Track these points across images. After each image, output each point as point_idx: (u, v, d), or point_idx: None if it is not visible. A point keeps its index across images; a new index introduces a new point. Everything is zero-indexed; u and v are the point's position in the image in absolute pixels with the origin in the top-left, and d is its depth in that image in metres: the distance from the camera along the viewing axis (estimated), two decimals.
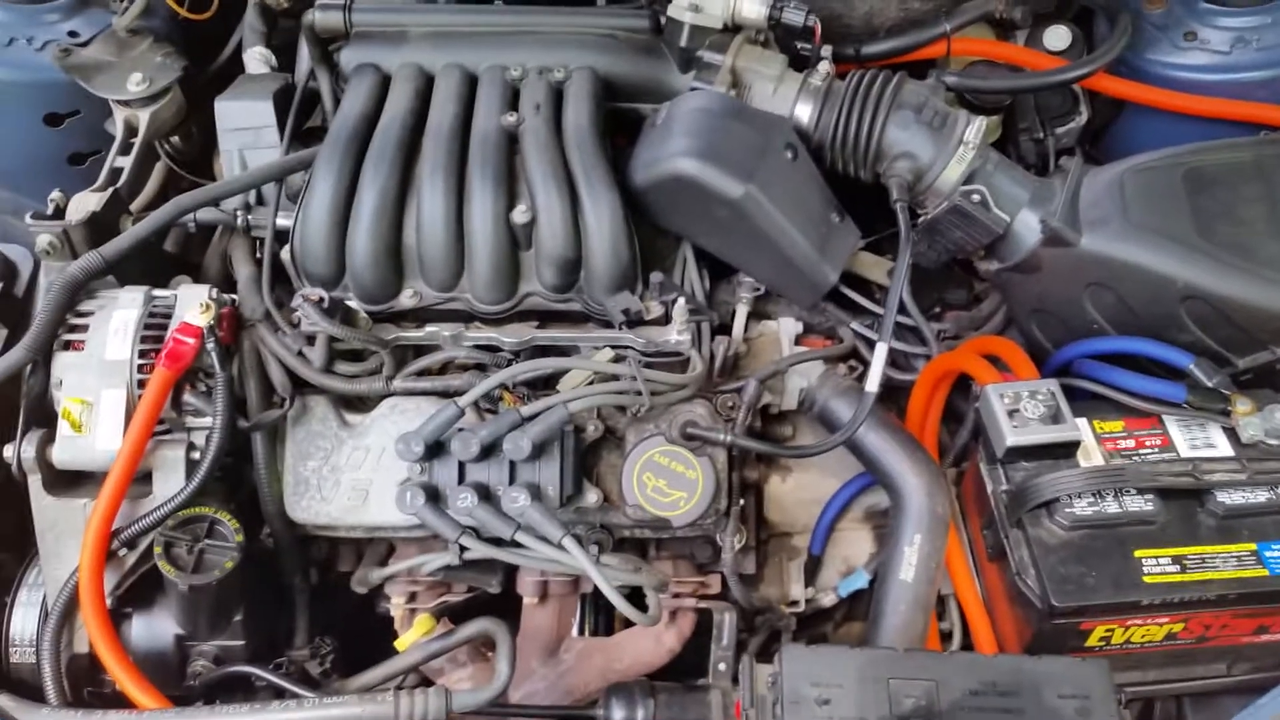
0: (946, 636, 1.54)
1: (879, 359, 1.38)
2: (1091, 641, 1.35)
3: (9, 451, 1.38)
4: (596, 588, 1.37)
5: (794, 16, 1.58)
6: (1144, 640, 1.36)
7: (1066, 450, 1.39)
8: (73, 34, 1.80)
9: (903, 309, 1.60)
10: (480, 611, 1.42)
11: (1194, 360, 1.43)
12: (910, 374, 1.64)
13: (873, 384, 1.38)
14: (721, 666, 1.48)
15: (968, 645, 1.51)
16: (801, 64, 1.61)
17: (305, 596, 1.54)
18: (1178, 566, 1.31)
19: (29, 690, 1.32)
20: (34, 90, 1.78)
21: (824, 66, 1.59)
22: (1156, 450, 1.41)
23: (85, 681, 1.40)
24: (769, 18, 1.58)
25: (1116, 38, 1.73)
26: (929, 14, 1.80)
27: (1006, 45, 1.86)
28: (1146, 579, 1.30)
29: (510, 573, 1.53)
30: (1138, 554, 1.32)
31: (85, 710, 1.26)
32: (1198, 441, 1.41)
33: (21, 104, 1.78)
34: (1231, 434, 1.41)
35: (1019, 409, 1.38)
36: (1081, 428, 1.40)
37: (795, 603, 1.60)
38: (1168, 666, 1.44)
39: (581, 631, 1.63)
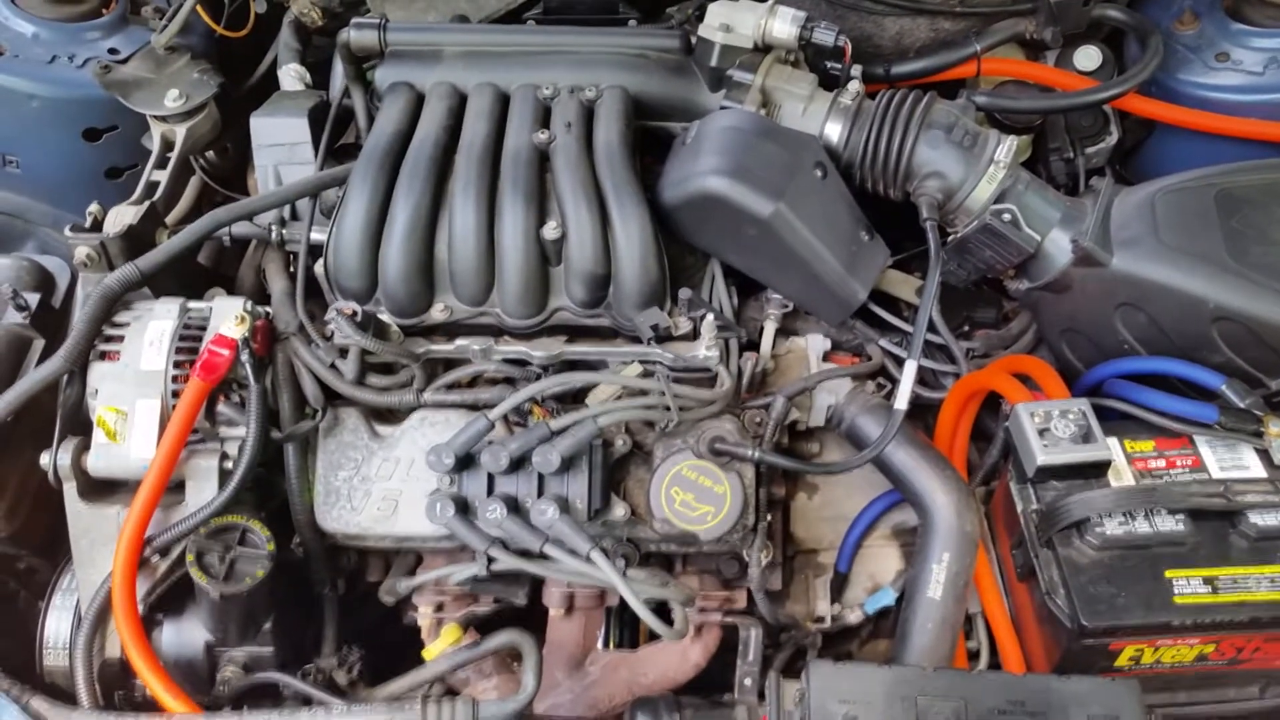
0: (974, 656, 1.53)
1: (908, 376, 1.38)
2: (1121, 662, 1.34)
3: (45, 459, 1.40)
4: (622, 601, 1.37)
5: (824, 36, 1.59)
6: (1174, 661, 1.34)
7: (1097, 470, 1.39)
8: (112, 51, 1.84)
9: (932, 327, 1.59)
10: (506, 623, 1.43)
11: (1225, 381, 1.42)
12: (939, 392, 1.63)
13: (902, 401, 1.38)
14: (747, 682, 1.47)
15: (995, 665, 1.50)
16: (831, 83, 1.62)
17: (334, 606, 1.55)
18: (1209, 588, 1.30)
19: (62, 693, 1.33)
20: (74, 106, 1.81)
21: (854, 86, 1.60)
22: (1188, 471, 1.40)
23: (116, 686, 1.41)
24: (799, 38, 1.60)
25: (1148, 58, 1.73)
26: (959, 34, 1.80)
27: (1037, 66, 1.86)
28: (1177, 600, 1.29)
29: (536, 585, 1.54)
30: (1169, 574, 1.31)
31: (117, 714, 1.27)
32: (1229, 463, 1.40)
33: (62, 119, 1.82)
34: (1264, 455, 1.40)
35: (1050, 428, 1.38)
36: (1112, 448, 1.40)
37: (821, 619, 1.59)
38: (1198, 689, 1.42)
39: (606, 645, 1.63)
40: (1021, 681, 1.20)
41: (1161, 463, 1.41)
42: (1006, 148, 1.50)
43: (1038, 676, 1.21)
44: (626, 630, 1.68)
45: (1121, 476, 1.40)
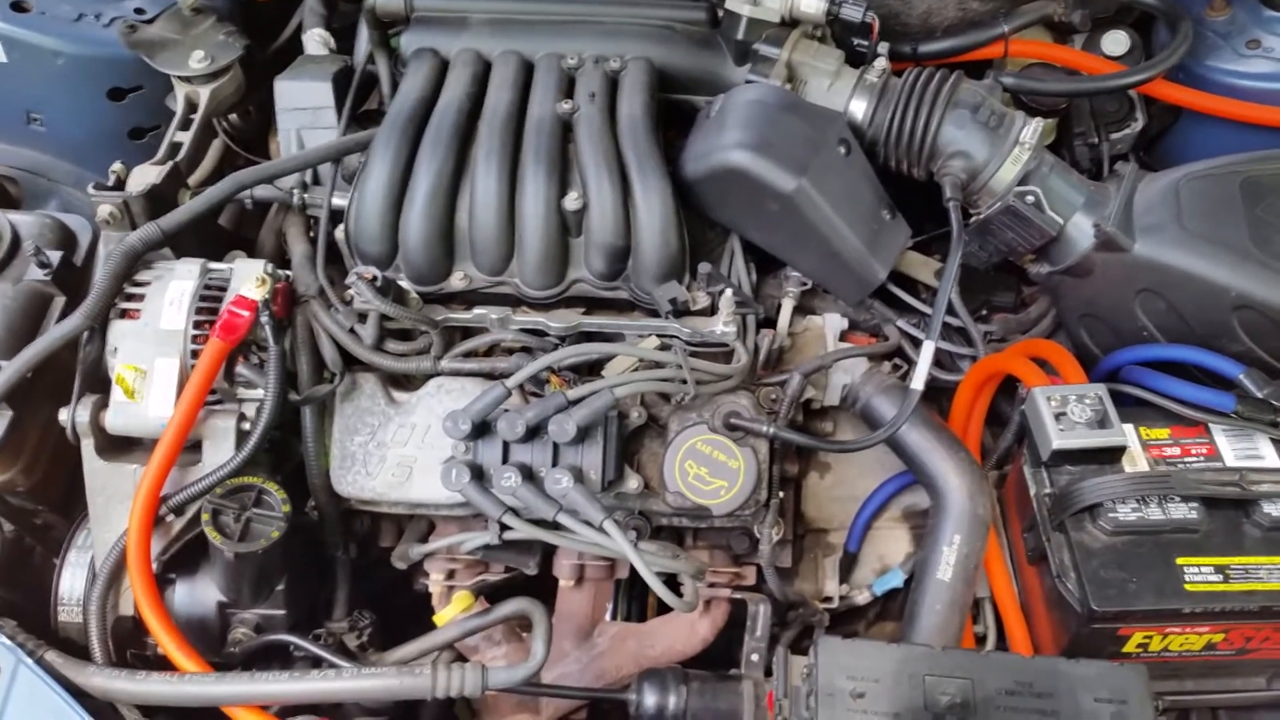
0: (981, 640, 1.54)
1: (925, 357, 1.38)
2: (1129, 648, 1.34)
3: (64, 415, 1.40)
4: (631, 574, 1.38)
5: (852, 12, 1.58)
6: (1182, 649, 1.34)
7: (1112, 455, 1.38)
8: (139, 11, 1.83)
9: (951, 309, 1.60)
10: (515, 593, 1.43)
11: (1244, 370, 1.41)
12: (955, 374, 1.63)
13: (918, 382, 1.37)
14: (754, 658, 1.48)
15: (1002, 648, 1.51)
16: (858, 60, 1.61)
17: (346, 569, 1.57)
18: (1221, 576, 1.29)
19: (76, 649, 1.34)
20: (100, 65, 1.81)
21: (880, 63, 1.58)
22: (1202, 459, 1.40)
23: (129, 643, 1.43)
24: (827, 12, 1.59)
25: (1177, 44, 1.71)
26: (987, 15, 1.79)
27: (1064, 49, 1.84)
28: (1188, 587, 1.29)
29: (547, 555, 1.54)
30: (1180, 562, 1.31)
31: (129, 671, 1.28)
32: (1245, 452, 1.40)
33: (87, 78, 1.82)
34: None
35: (1066, 412, 1.37)
36: (1128, 434, 1.40)
37: (829, 599, 1.60)
38: (1206, 677, 1.42)
39: (614, 617, 1.63)
40: (1029, 663, 1.20)
41: (1176, 450, 1.41)
42: (1032, 129, 1.49)
43: (1046, 659, 1.21)
44: (635, 603, 1.70)
45: (1136, 463, 1.40)
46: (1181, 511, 1.33)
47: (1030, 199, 1.49)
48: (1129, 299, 1.51)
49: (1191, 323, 1.47)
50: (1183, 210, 1.47)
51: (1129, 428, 1.41)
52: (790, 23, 1.61)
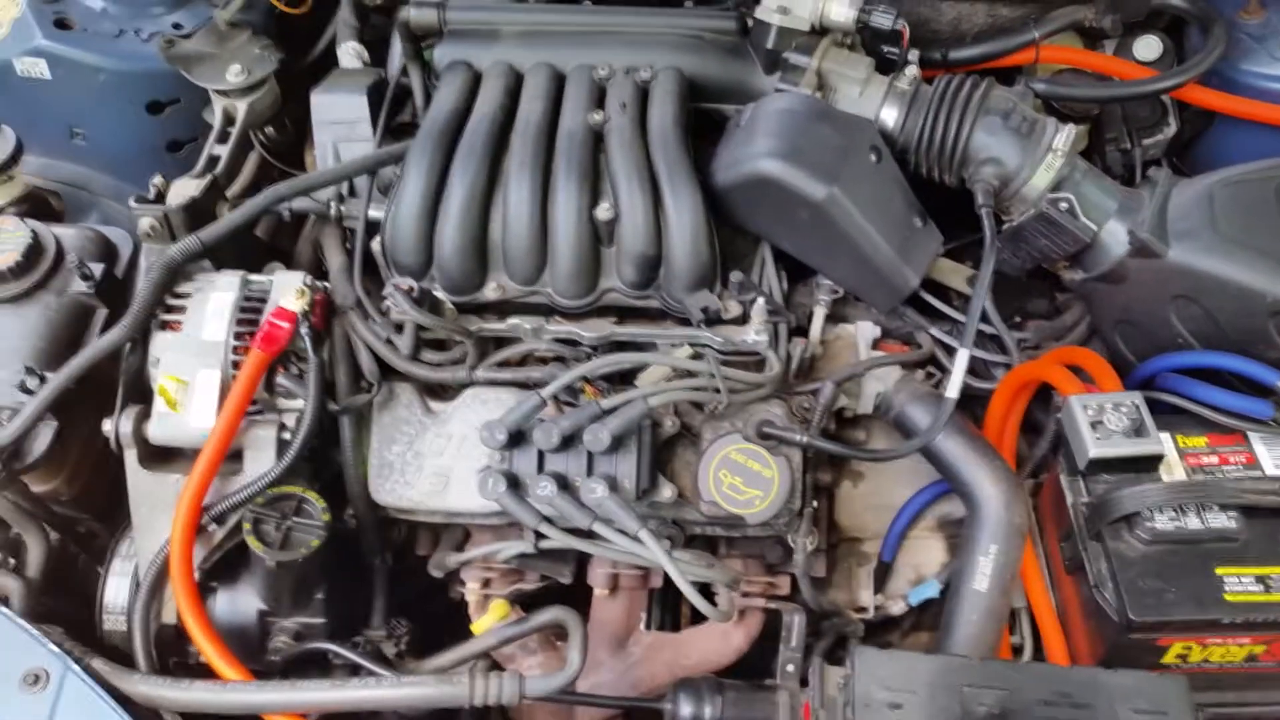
0: (1017, 651, 1.53)
1: (960, 365, 1.38)
2: (1168, 659, 1.33)
3: (107, 426, 1.43)
4: (665, 583, 1.38)
5: (882, 20, 1.58)
6: (1223, 660, 1.33)
7: (1149, 464, 1.38)
8: (177, 26, 1.87)
9: (984, 317, 1.59)
10: (549, 602, 1.44)
11: None
12: (989, 382, 1.63)
13: (953, 390, 1.37)
14: (790, 668, 1.48)
15: (1039, 659, 1.50)
16: (888, 68, 1.61)
17: (384, 578, 1.58)
18: (1261, 586, 1.28)
19: (121, 656, 1.36)
20: (139, 79, 1.84)
21: (911, 70, 1.58)
22: (1241, 467, 1.39)
23: (172, 651, 1.45)
24: (857, 20, 1.59)
25: (1211, 48, 1.71)
26: (1017, 21, 1.79)
27: (1095, 54, 1.84)
28: (1228, 597, 1.28)
29: (581, 564, 1.55)
30: (1219, 571, 1.30)
31: (173, 678, 1.29)
32: None
33: (127, 92, 1.85)
34: None
35: (1102, 421, 1.37)
36: (1164, 442, 1.39)
37: (864, 609, 1.59)
38: (1247, 689, 1.41)
39: (649, 626, 1.64)
40: (1067, 674, 1.20)
41: (1214, 458, 1.40)
42: (1065, 136, 1.49)
43: (1084, 669, 1.21)
44: (669, 612, 1.70)
45: (1173, 471, 1.39)
46: (1220, 520, 1.32)
47: (1064, 205, 1.49)
48: (1164, 305, 1.50)
49: (1227, 329, 1.46)
50: (1217, 216, 1.46)
51: (1165, 436, 1.41)
52: (820, 31, 1.61)
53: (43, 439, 1.44)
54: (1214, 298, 1.45)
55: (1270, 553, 1.31)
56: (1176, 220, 1.49)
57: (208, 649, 1.32)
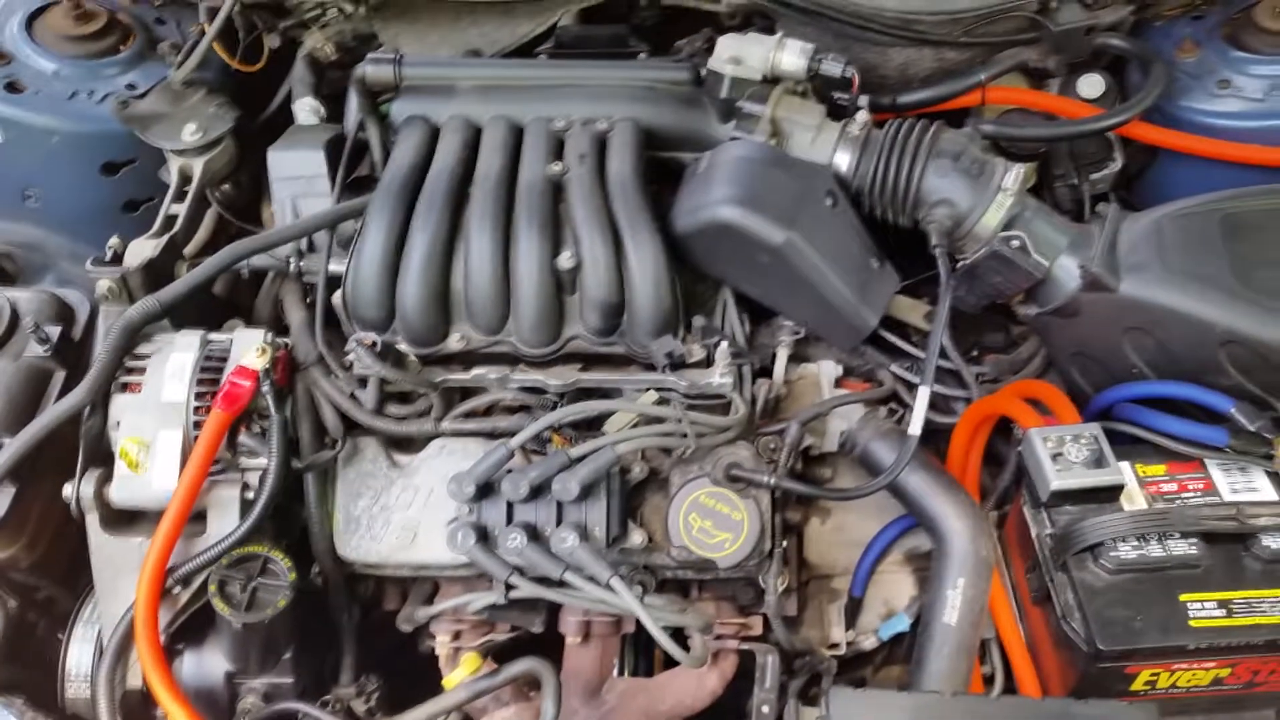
0: (989, 680, 1.53)
1: (921, 402, 1.40)
2: (1137, 686, 1.34)
3: (68, 490, 1.41)
4: (638, 629, 1.37)
5: (832, 67, 1.62)
6: (1190, 685, 1.35)
7: (1110, 494, 1.40)
8: (130, 86, 1.87)
9: (943, 353, 1.61)
10: (522, 651, 1.43)
11: (1235, 404, 1.43)
12: (950, 417, 1.65)
13: (915, 427, 1.39)
14: (765, 709, 1.48)
15: (1010, 689, 1.50)
16: (839, 113, 1.64)
17: (352, 634, 1.56)
18: (1224, 611, 1.30)
19: None
20: (94, 140, 1.84)
21: (861, 115, 1.61)
22: (1199, 494, 1.42)
23: (138, 716, 1.42)
24: (808, 69, 1.62)
25: (1151, 86, 1.75)
26: (964, 64, 1.83)
27: (1041, 94, 1.89)
28: (1193, 623, 1.29)
29: (553, 612, 1.54)
30: (1183, 598, 1.31)
31: None
32: (1240, 485, 1.42)
33: (82, 154, 1.84)
34: (1275, 478, 1.41)
35: (1062, 453, 1.39)
36: (1124, 471, 1.41)
37: (836, 645, 1.60)
38: (1215, 712, 1.42)
39: (622, 672, 1.63)
40: (1040, 705, 1.21)
41: (1174, 486, 1.43)
42: (1014, 175, 1.52)
43: (1056, 700, 1.22)
44: (642, 657, 1.69)
45: (1134, 500, 1.41)
46: (1182, 548, 1.34)
47: (1016, 243, 1.52)
48: (1118, 337, 1.54)
49: (1181, 359, 1.49)
50: (1166, 248, 1.50)
51: (1125, 465, 1.43)
52: (772, 80, 1.64)
53: (0, 505, 1.42)
54: (1166, 329, 1.48)
55: (1231, 578, 1.33)
56: (1127, 254, 1.52)
57: (176, 713, 1.30)
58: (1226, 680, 1.35)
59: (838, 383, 1.64)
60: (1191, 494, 1.41)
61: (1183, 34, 1.88)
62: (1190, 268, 1.47)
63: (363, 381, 1.50)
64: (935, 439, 1.67)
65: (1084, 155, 1.88)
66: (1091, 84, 1.89)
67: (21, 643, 1.52)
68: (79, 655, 1.45)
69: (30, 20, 1.90)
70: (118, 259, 1.56)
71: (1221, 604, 1.31)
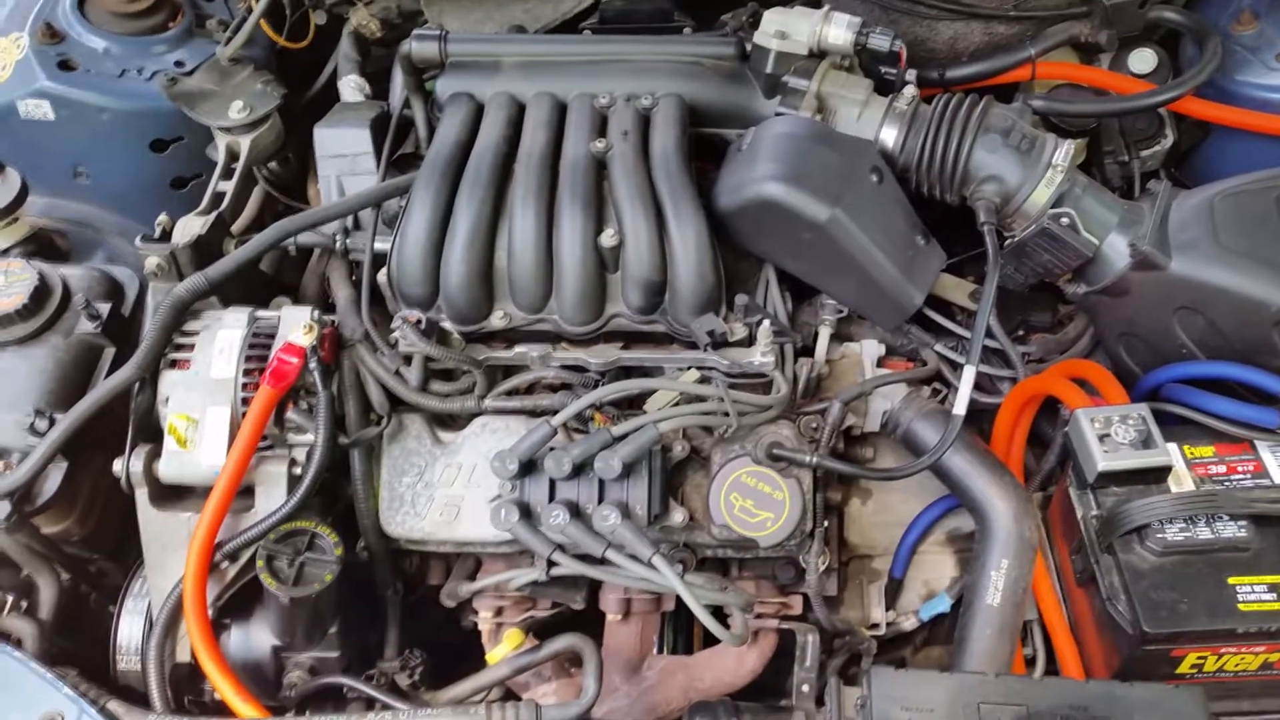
0: (1030, 662, 1.53)
1: (967, 382, 1.38)
2: (1183, 669, 1.33)
3: (118, 466, 1.43)
4: (678, 606, 1.38)
5: (879, 41, 1.60)
6: (1238, 669, 1.33)
7: (1157, 475, 1.38)
8: (179, 64, 1.89)
9: (989, 332, 1.60)
10: (562, 628, 1.44)
11: None
12: (995, 397, 1.63)
13: (960, 407, 1.38)
14: (805, 688, 1.48)
15: (1052, 671, 1.50)
16: (886, 88, 1.62)
17: (396, 609, 1.58)
18: (1275, 595, 1.29)
19: (136, 696, 1.36)
20: (143, 118, 1.86)
21: (909, 90, 1.59)
22: (1249, 476, 1.40)
23: (187, 689, 1.45)
24: (854, 43, 1.60)
25: (1205, 61, 1.72)
26: (1013, 38, 1.80)
27: (1091, 69, 1.85)
28: (1242, 607, 1.28)
29: (593, 589, 1.55)
30: (1232, 581, 1.30)
31: (189, 718, 1.30)
32: None
33: (131, 131, 1.87)
34: None
35: (1110, 434, 1.37)
36: (1172, 453, 1.39)
37: (876, 625, 1.60)
38: (1262, 697, 1.41)
39: (661, 650, 1.64)
40: (1084, 687, 1.20)
41: (1222, 468, 1.41)
42: (1064, 151, 1.50)
43: (1101, 682, 1.20)
44: (681, 635, 1.70)
45: (1182, 482, 1.39)
46: (1231, 530, 1.33)
47: (1065, 220, 1.50)
48: (1167, 317, 1.51)
49: (1231, 339, 1.47)
50: (1218, 227, 1.47)
51: (1173, 447, 1.41)
52: (818, 54, 1.62)
53: (53, 480, 1.45)
54: (1217, 308, 1.46)
55: None
56: (1177, 232, 1.50)
57: (223, 687, 1.32)
58: (1277, 665, 1.33)
59: (880, 362, 1.63)
60: (1241, 476, 1.40)
61: (1241, 5, 1.84)
62: (1243, 246, 1.44)
63: (407, 359, 1.50)
64: (979, 419, 1.66)
65: (1135, 131, 1.86)
66: (1143, 59, 1.86)
67: (75, 616, 1.55)
68: (129, 629, 1.48)
69: None
70: (166, 236, 1.58)
71: (1272, 588, 1.29)
